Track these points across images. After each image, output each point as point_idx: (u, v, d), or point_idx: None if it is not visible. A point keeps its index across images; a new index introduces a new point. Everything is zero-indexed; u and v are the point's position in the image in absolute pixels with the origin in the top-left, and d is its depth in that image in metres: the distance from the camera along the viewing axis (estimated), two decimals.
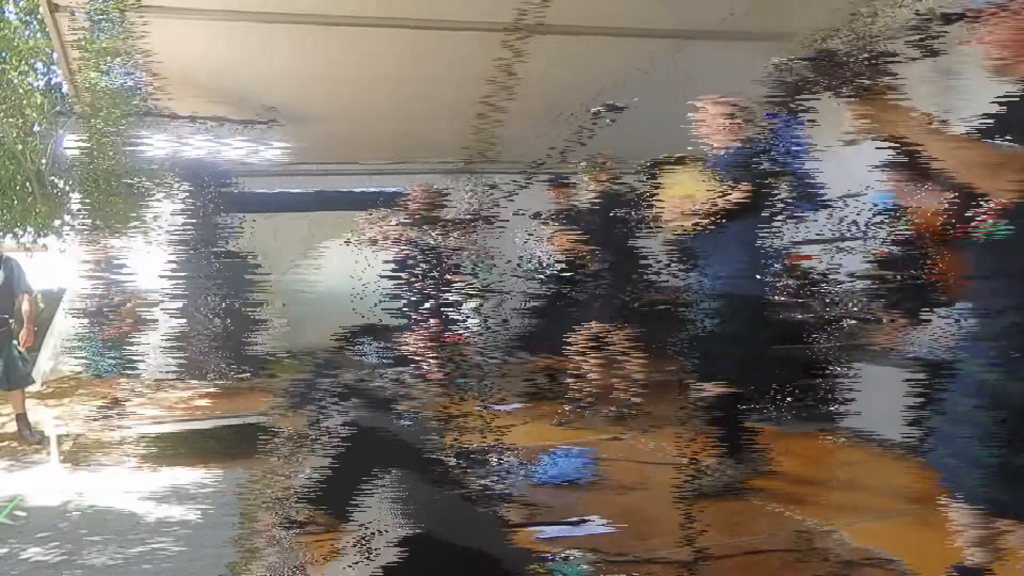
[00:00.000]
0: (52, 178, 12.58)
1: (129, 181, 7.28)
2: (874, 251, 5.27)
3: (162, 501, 5.50)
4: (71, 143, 7.79)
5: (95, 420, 6.96)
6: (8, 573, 4.40)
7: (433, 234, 7.05)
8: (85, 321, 8.25)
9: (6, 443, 7.43)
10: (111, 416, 6.96)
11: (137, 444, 6.93)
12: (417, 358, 6.80)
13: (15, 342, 7.43)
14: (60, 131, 9.24)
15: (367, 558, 2.63)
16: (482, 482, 4.15)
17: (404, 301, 7.22)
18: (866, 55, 2.69)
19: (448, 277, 7.20)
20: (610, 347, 6.44)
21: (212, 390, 8.04)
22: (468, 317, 7.43)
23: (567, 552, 3.55)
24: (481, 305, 7.71)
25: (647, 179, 4.92)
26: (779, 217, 4.63)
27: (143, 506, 5.40)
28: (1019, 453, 2.47)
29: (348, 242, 7.89)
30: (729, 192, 4.34)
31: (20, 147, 11.66)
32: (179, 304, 8.34)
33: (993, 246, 2.56)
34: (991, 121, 2.63)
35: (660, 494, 4.38)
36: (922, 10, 2.77)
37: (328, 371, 5.58)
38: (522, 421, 6.33)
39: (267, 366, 8.42)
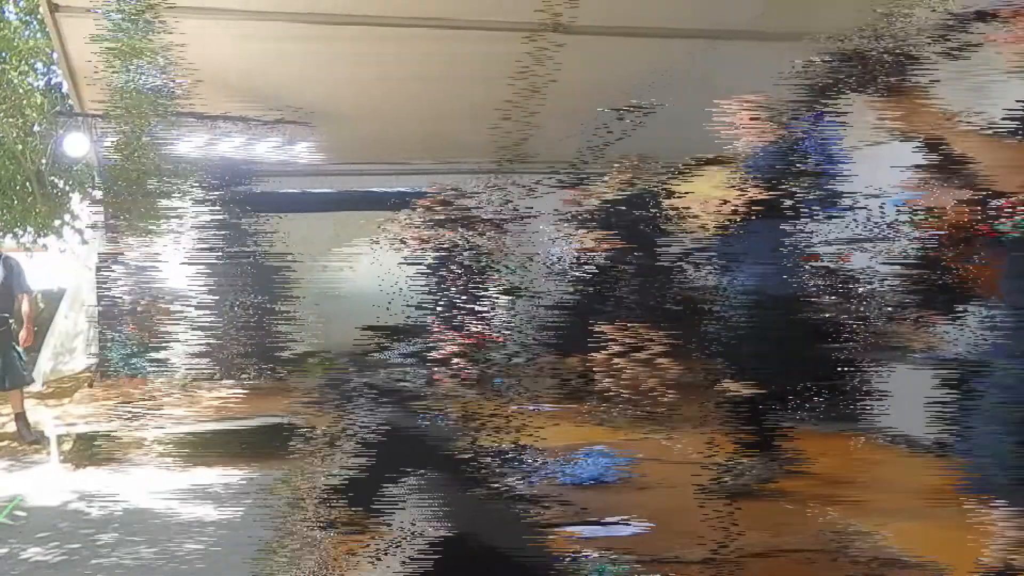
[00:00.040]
0: (52, 178, 12.63)
1: (159, 181, 7.34)
2: (905, 250, 5.24)
3: (194, 501, 5.53)
4: (106, 145, 7.83)
5: (125, 419, 6.99)
6: (8, 573, 4.41)
7: (464, 234, 7.07)
8: (114, 321, 8.29)
9: (5, 443, 7.48)
10: (141, 416, 6.99)
11: (167, 444, 6.99)
12: (450, 358, 6.82)
13: (14, 342, 7.46)
14: (60, 131, 9.26)
15: (402, 559, 2.65)
16: (516, 482, 4.16)
17: (436, 301, 7.24)
18: (894, 54, 2.69)
19: (480, 277, 7.22)
20: (641, 346, 6.44)
21: (243, 390, 8.04)
22: (500, 317, 7.44)
23: (603, 552, 3.56)
24: (513, 305, 7.72)
25: (679, 179, 4.93)
26: (809, 217, 4.61)
27: (175, 506, 5.44)
28: None
29: (376, 242, 7.91)
30: (760, 192, 4.34)
31: (20, 147, 11.71)
32: (210, 304, 8.37)
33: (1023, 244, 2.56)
34: (1018, 120, 2.63)
35: (693, 494, 4.38)
36: (954, 9, 2.77)
37: (361, 371, 5.59)
38: (555, 421, 6.33)
39: (299, 366, 8.43)
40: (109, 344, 8.52)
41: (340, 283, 9.07)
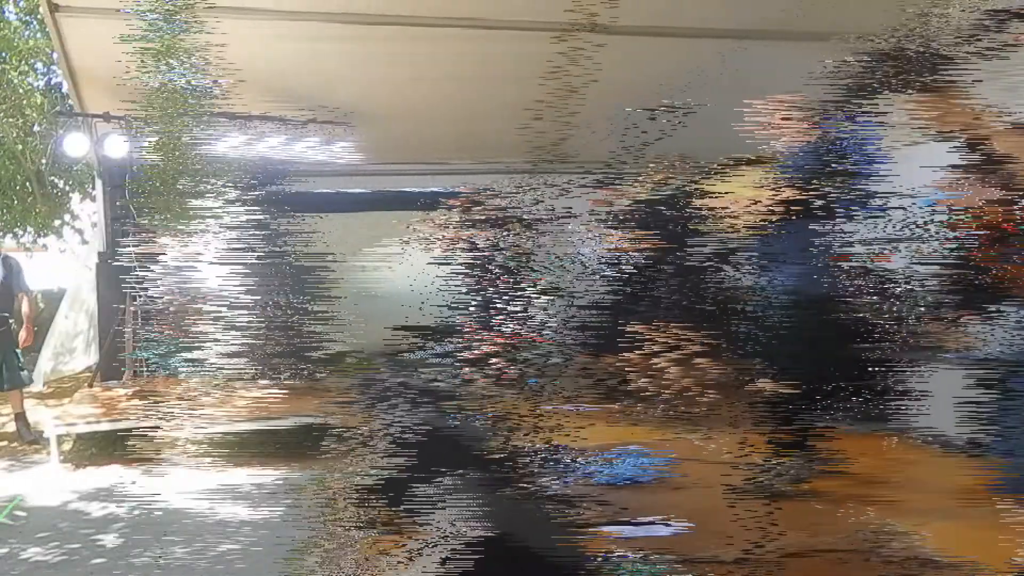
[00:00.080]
0: (52, 178, 12.66)
1: (195, 181, 7.39)
2: (942, 250, 5.20)
3: (232, 501, 5.56)
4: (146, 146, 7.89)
5: (167, 420, 7.02)
6: (8, 573, 4.44)
7: (500, 234, 7.09)
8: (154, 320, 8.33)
9: (5, 443, 7.52)
10: (181, 415, 7.02)
11: (204, 444, 7.01)
12: (487, 358, 6.83)
13: (14, 343, 7.48)
14: (60, 131, 9.30)
15: (438, 559, 2.68)
16: (551, 482, 4.18)
17: (472, 301, 7.25)
18: (932, 53, 2.69)
19: (516, 277, 7.23)
20: (677, 346, 6.43)
21: (280, 390, 8.08)
22: (537, 316, 7.45)
23: (639, 552, 3.58)
24: (550, 304, 7.72)
25: (714, 179, 4.93)
26: (846, 217, 4.60)
27: (211, 506, 5.46)
28: None
29: (410, 242, 7.92)
30: (796, 192, 4.34)
31: (20, 147, 11.77)
32: (248, 303, 8.42)
33: None
34: None
35: (728, 494, 4.37)
36: (993, 8, 2.76)
37: (398, 370, 5.63)
38: (590, 421, 6.33)
39: (337, 366, 8.46)
40: (143, 344, 8.57)
41: (377, 283, 9.11)
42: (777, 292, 4.57)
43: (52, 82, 12.79)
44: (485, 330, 7.17)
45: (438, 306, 7.48)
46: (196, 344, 8.15)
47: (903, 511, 4.20)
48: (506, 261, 7.24)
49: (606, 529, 4.05)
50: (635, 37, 6.16)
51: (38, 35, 11.97)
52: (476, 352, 7.04)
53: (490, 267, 7.24)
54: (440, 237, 7.61)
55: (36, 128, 11.91)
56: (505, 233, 7.21)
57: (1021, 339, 3.36)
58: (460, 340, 7.25)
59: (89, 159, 9.33)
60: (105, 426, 6.96)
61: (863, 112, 3.05)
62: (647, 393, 6.71)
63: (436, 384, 5.10)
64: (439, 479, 3.27)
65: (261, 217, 8.51)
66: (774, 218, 4.43)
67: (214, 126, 7.48)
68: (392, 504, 3.82)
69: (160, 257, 8.36)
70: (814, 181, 4.36)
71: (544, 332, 7.67)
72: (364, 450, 4.47)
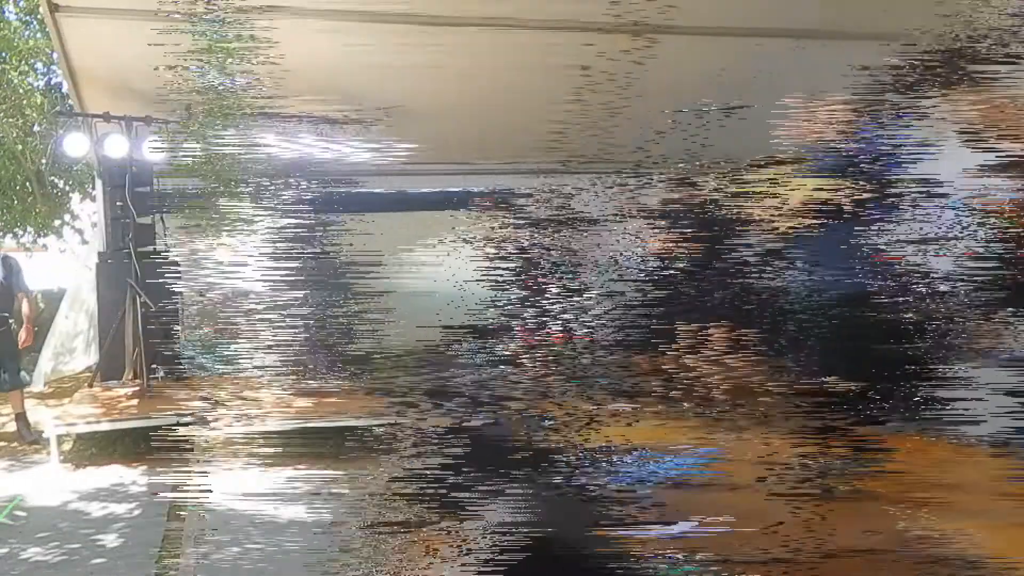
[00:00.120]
0: (52, 178, 12.69)
1: (239, 181, 7.45)
2: (978, 249, 5.16)
3: (278, 501, 5.59)
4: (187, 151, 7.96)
5: (209, 420, 7.06)
6: (8, 573, 4.47)
7: (541, 233, 7.11)
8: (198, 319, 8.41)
9: (5, 443, 7.56)
10: (226, 415, 7.06)
11: (250, 443, 7.06)
12: (526, 358, 6.86)
13: (14, 343, 7.50)
14: (60, 131, 9.36)
15: (483, 558, 2.72)
16: (595, 482, 4.19)
17: (512, 301, 7.27)
18: (975, 52, 2.68)
19: (557, 276, 7.25)
20: (718, 346, 6.42)
21: (324, 390, 8.11)
22: (577, 317, 7.46)
23: (683, 552, 3.59)
24: (590, 304, 7.72)
25: (752, 179, 4.92)
26: (883, 217, 4.57)
27: (262, 506, 5.48)
28: None
29: (453, 241, 7.95)
30: (835, 192, 4.33)
31: (20, 147, 11.80)
32: (290, 304, 8.47)
33: None
34: None
35: (774, 493, 4.37)
36: None
37: (438, 371, 5.67)
38: (631, 420, 6.33)
39: (378, 367, 8.48)
40: (186, 343, 8.65)
41: (420, 283, 9.14)
42: (819, 291, 4.55)
43: (52, 82, 12.88)
44: (530, 329, 7.20)
45: (481, 306, 7.53)
46: (259, 345, 8.24)
47: (949, 511, 4.18)
48: (548, 260, 7.26)
49: (648, 528, 4.07)
50: (676, 36, 6.15)
51: (38, 35, 12.02)
52: (520, 351, 7.08)
53: (532, 266, 7.26)
54: (485, 237, 7.64)
55: (36, 128, 11.98)
56: (546, 232, 7.23)
57: None
58: (505, 339, 7.28)
59: (89, 159, 9.39)
60: (105, 426, 6.98)
61: (906, 111, 3.04)
62: (692, 392, 6.71)
63: (480, 383, 5.13)
64: (483, 478, 3.30)
65: (307, 218, 8.58)
66: (812, 218, 4.42)
67: (261, 126, 7.54)
68: (435, 503, 3.86)
69: (212, 256, 8.45)
70: (853, 181, 4.34)
71: (587, 331, 7.69)
72: (409, 450, 4.50)
